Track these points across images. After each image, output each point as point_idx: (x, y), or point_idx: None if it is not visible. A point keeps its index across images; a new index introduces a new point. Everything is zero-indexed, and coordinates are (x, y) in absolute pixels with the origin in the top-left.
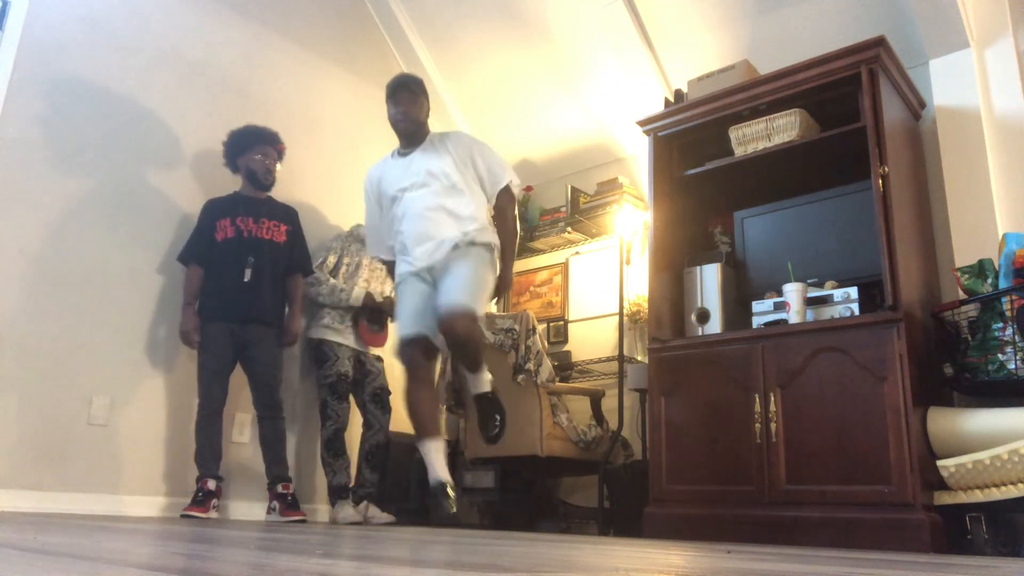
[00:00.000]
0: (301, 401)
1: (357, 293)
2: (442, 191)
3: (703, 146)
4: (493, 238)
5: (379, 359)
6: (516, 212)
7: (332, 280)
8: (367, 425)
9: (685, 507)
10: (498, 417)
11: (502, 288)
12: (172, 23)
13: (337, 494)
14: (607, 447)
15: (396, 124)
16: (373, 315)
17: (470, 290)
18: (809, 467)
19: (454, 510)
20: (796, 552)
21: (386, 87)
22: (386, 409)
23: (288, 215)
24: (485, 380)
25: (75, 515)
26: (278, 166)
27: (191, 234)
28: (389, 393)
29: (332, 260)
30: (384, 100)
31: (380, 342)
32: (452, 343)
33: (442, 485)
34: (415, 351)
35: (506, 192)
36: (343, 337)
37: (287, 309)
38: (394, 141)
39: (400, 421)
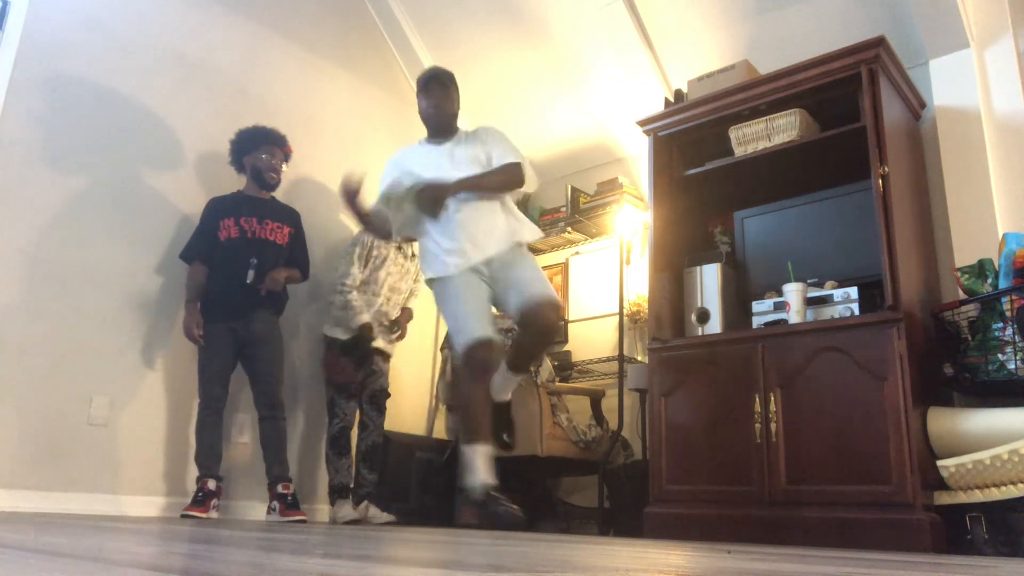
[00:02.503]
0: (305, 401)
1: (360, 320)
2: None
3: (703, 146)
4: (528, 231)
5: (386, 359)
6: (517, 180)
7: (352, 296)
8: (362, 426)
9: (685, 507)
10: (505, 435)
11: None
12: (172, 23)
13: (337, 493)
14: (607, 447)
15: (428, 118)
16: (350, 347)
17: (549, 283)
18: (809, 467)
19: (514, 508)
20: (796, 552)
21: (417, 80)
22: (381, 411)
23: (291, 217)
24: (514, 386)
25: (75, 515)
26: (284, 167)
27: (194, 232)
28: (388, 396)
29: (357, 274)
30: (384, 100)
31: (345, 376)
32: (538, 333)
33: (488, 488)
34: (487, 354)
35: (514, 167)
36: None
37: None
38: (390, 142)
39: (401, 421)
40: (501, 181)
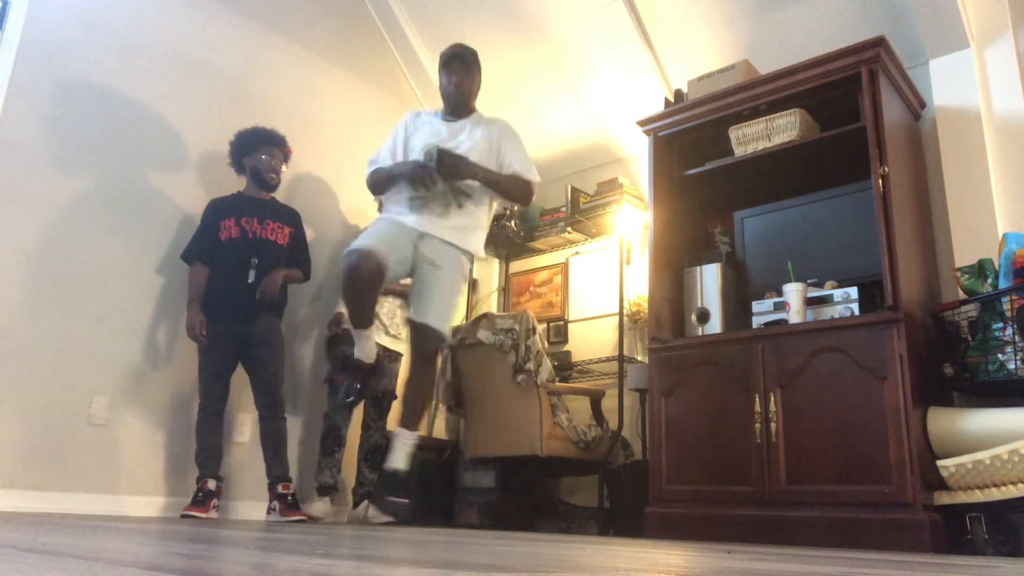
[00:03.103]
0: (305, 401)
1: (368, 351)
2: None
3: (703, 146)
4: (476, 246)
5: (396, 359)
6: (525, 198)
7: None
8: (364, 426)
9: (685, 507)
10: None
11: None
12: (172, 23)
13: (316, 490)
14: (607, 447)
15: (448, 95)
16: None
17: (451, 313)
18: (809, 467)
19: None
20: (796, 552)
21: (441, 55)
22: (383, 413)
23: (291, 217)
24: (409, 449)
25: (75, 515)
26: (284, 168)
27: (195, 232)
28: (393, 398)
29: None
30: (384, 99)
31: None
32: (414, 350)
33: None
34: (362, 261)
35: (529, 186)
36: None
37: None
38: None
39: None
40: (513, 191)
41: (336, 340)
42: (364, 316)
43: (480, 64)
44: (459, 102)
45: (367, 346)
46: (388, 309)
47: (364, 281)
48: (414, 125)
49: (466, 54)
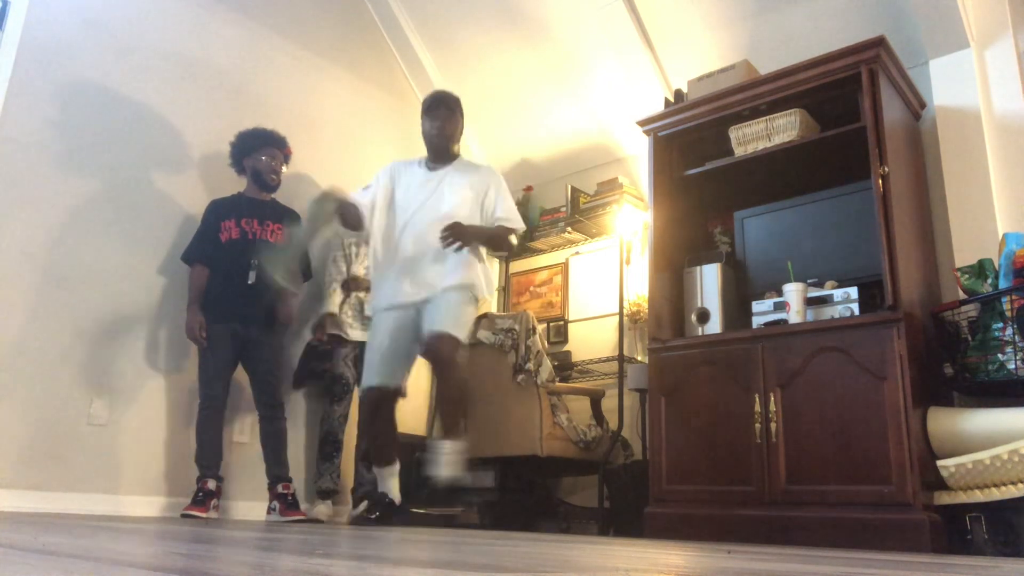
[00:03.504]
0: (305, 401)
1: (329, 303)
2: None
3: (703, 146)
4: (475, 280)
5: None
6: (508, 245)
7: (333, 292)
8: (360, 428)
9: (685, 507)
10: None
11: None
12: (172, 23)
13: (320, 496)
14: (607, 447)
15: (431, 139)
16: (317, 356)
17: (456, 321)
18: (809, 467)
19: (373, 516)
20: (796, 552)
21: (424, 101)
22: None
23: (291, 218)
24: (454, 459)
25: (75, 515)
26: (284, 169)
27: (195, 234)
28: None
29: (336, 276)
30: (384, 100)
31: (300, 387)
32: (434, 366)
33: (395, 503)
34: (376, 397)
35: (510, 231)
36: (350, 331)
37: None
38: (390, 142)
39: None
40: (499, 242)
41: (314, 351)
42: (387, 452)
43: (463, 109)
44: (442, 146)
45: (392, 484)
46: (355, 301)
47: (383, 416)
48: (399, 175)
49: (448, 100)
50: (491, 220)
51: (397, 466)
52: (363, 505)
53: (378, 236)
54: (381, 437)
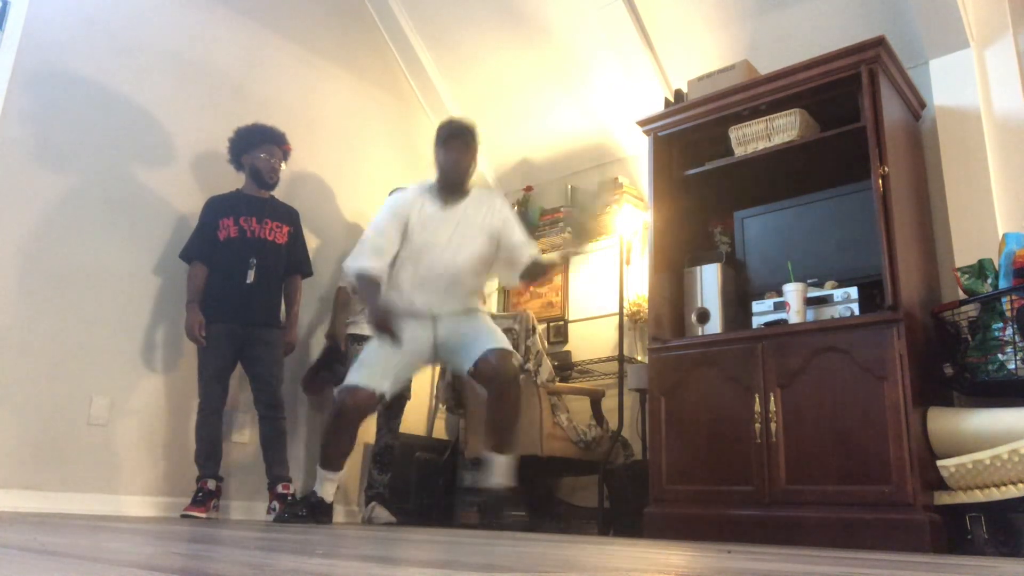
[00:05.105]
0: (305, 401)
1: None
2: (473, 265)
3: (703, 146)
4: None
5: None
6: (545, 269)
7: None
8: (377, 427)
9: (685, 507)
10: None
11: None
12: (172, 23)
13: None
14: (607, 447)
15: (446, 173)
16: (330, 358)
17: (502, 337)
18: (809, 467)
19: (302, 513)
20: (796, 552)
21: (439, 130)
22: (392, 414)
23: (290, 216)
24: (509, 470)
25: (75, 515)
26: (283, 166)
27: (193, 232)
28: (407, 399)
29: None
30: (384, 100)
31: (314, 390)
32: (497, 385)
33: (326, 504)
34: (351, 399)
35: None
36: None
37: (287, 314)
38: (390, 142)
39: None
40: (532, 274)
41: (335, 353)
42: (339, 461)
43: (479, 139)
44: (457, 180)
45: (328, 489)
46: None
47: (355, 423)
48: (409, 206)
49: (466, 132)
50: (510, 251)
51: (341, 474)
52: (371, 506)
53: (396, 266)
54: (344, 445)
